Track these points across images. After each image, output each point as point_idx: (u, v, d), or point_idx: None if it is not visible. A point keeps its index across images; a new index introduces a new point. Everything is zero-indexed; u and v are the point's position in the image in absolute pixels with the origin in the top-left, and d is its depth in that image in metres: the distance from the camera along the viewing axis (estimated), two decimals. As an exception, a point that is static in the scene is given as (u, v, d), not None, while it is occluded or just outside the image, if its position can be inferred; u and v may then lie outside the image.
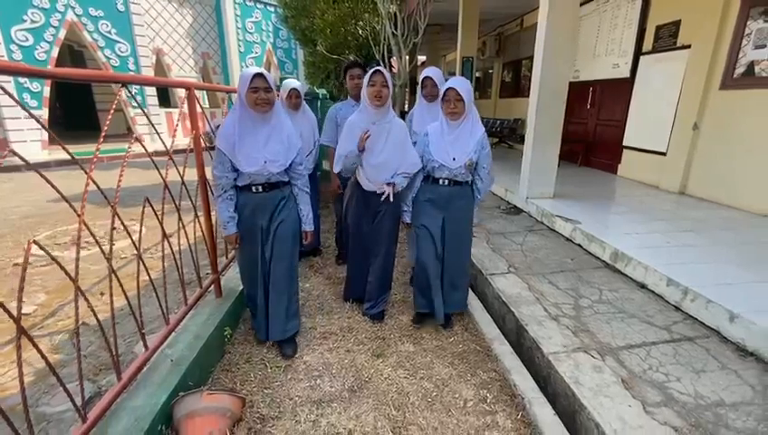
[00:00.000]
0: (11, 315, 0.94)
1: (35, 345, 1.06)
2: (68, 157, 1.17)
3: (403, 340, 2.31)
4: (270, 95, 1.87)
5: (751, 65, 3.84)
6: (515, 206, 4.61)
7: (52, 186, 1.09)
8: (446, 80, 2.25)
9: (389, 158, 2.21)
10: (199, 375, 1.80)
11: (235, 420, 1.60)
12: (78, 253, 1.26)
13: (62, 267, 1.18)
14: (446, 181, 2.22)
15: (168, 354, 1.77)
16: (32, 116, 1.04)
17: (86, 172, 1.20)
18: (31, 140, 9.01)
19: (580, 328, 2.23)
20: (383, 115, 2.17)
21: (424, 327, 2.47)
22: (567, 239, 3.54)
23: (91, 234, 1.26)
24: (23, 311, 2.57)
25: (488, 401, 1.86)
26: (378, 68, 2.11)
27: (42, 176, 1.08)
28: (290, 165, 2.04)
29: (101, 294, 2.80)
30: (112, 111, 1.38)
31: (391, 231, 2.43)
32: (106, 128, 1.36)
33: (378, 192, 2.29)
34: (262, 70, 1.85)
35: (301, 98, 3.03)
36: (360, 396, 1.86)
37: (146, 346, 1.59)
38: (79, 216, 1.18)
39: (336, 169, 2.34)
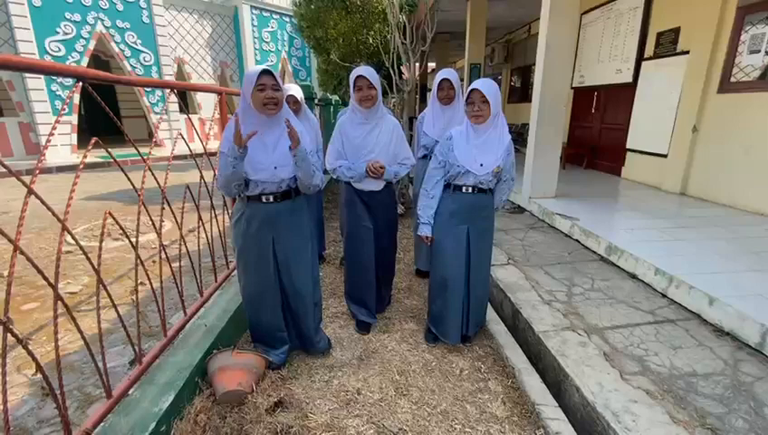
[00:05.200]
0: (52, 286, 1.11)
1: (70, 314, 1.32)
2: (96, 160, 1.36)
3: (407, 320, 2.54)
4: (278, 94, 1.72)
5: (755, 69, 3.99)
6: (519, 205, 4.80)
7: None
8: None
9: (380, 155, 2.23)
10: (227, 342, 2.06)
11: (259, 376, 1.85)
12: (137, 239, 1.54)
13: (86, 256, 1.30)
14: (470, 189, 2.06)
15: (202, 322, 2.04)
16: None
17: (150, 170, 1.48)
18: (61, 145, 9.56)
19: (570, 311, 2.43)
20: (373, 114, 2.18)
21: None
22: (566, 235, 3.73)
23: (121, 228, 1.53)
24: (70, 290, 2.90)
25: (482, 370, 2.07)
26: (358, 73, 2.09)
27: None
28: None
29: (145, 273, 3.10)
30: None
31: (393, 222, 2.48)
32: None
33: (372, 189, 2.29)
34: (268, 67, 1.70)
35: (300, 104, 2.94)
36: (368, 363, 2.10)
37: (185, 312, 1.86)
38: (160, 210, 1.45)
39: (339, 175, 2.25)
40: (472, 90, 1.92)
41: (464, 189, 2.06)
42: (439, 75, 2.59)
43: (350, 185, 2.31)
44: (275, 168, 1.77)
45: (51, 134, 1.14)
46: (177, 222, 1.84)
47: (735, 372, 1.88)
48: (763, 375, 1.84)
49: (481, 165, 1.99)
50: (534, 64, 4.50)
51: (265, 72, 1.67)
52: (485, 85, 1.91)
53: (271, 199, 1.83)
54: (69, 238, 1.16)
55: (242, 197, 1.85)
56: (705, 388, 1.78)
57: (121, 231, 1.46)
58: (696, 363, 1.94)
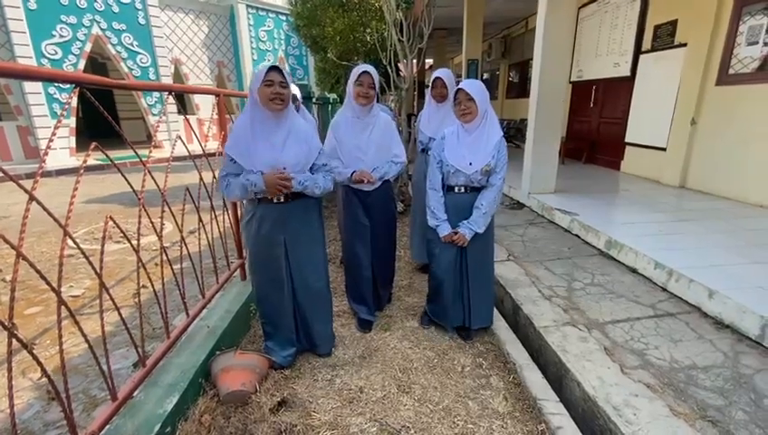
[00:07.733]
0: (55, 291, 1.16)
1: (74, 317, 1.33)
2: (96, 163, 1.35)
3: (408, 317, 2.55)
4: (286, 91, 1.72)
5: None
6: (518, 202, 4.81)
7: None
8: (457, 82, 2.23)
9: (371, 152, 2.25)
10: (230, 342, 2.08)
11: (262, 376, 1.86)
12: (139, 239, 1.54)
13: (87, 260, 1.32)
14: (463, 188, 2.11)
15: (204, 324, 2.05)
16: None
17: (152, 172, 1.48)
18: (60, 148, 9.55)
19: (570, 306, 2.44)
20: (367, 113, 2.21)
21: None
22: (565, 230, 3.73)
23: (122, 231, 1.53)
24: (72, 294, 2.91)
25: (484, 367, 2.09)
26: (366, 69, 2.11)
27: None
28: (312, 168, 1.87)
29: (149, 271, 3.11)
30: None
31: (391, 221, 2.49)
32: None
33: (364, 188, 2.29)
34: (277, 64, 1.73)
35: (298, 102, 3.00)
36: (370, 362, 2.11)
37: (187, 314, 1.88)
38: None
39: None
40: (457, 90, 2.01)
41: (456, 190, 2.13)
42: (434, 74, 2.70)
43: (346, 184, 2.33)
44: (284, 168, 1.75)
45: (51, 140, 1.14)
46: (177, 224, 1.85)
47: (736, 364, 1.89)
48: (763, 367, 1.85)
49: (470, 163, 2.05)
50: (532, 59, 4.50)
51: (274, 69, 1.70)
52: (469, 84, 2.00)
53: (282, 199, 1.83)
54: (70, 242, 1.16)
55: (252, 198, 1.84)
56: (705, 381, 1.79)
57: (122, 234, 1.47)
58: (697, 356, 1.95)
